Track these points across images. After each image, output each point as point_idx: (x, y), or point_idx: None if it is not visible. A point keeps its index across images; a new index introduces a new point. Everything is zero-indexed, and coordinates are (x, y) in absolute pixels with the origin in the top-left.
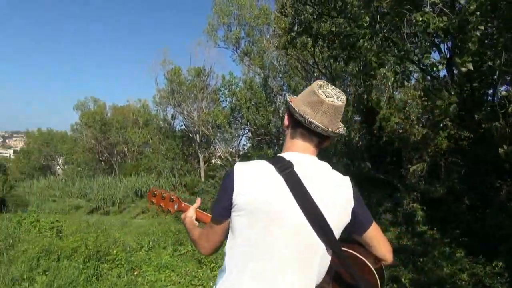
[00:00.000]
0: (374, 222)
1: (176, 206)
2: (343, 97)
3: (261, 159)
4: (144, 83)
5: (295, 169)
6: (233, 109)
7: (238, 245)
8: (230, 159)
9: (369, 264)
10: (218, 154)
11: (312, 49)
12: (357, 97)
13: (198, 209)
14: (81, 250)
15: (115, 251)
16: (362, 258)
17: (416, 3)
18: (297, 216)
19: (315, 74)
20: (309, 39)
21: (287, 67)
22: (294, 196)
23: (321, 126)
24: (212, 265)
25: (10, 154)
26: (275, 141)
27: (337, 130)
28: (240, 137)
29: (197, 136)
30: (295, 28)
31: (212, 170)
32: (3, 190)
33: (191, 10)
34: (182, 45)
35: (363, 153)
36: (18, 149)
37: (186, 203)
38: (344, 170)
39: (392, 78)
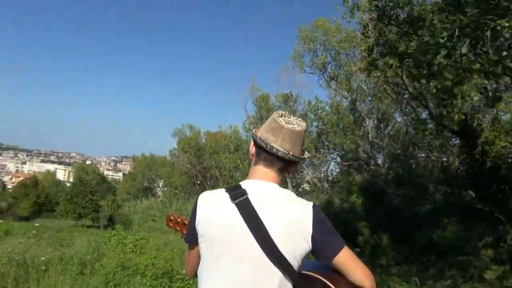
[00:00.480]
0: (345, 247)
1: None
2: (303, 124)
3: (336, 185)
4: (235, 110)
5: (250, 197)
6: (320, 134)
7: (201, 271)
8: (318, 184)
9: None
10: (307, 179)
11: (398, 70)
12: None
13: None
14: (149, 268)
15: (184, 271)
16: (328, 283)
17: (500, 10)
18: (250, 245)
19: (405, 96)
20: (394, 59)
21: (376, 89)
22: (247, 224)
23: (282, 150)
24: None
25: (120, 177)
26: (365, 166)
27: (299, 154)
28: (329, 162)
29: None
30: (377, 49)
31: (300, 195)
32: (112, 208)
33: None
34: (269, 72)
35: (464, 180)
36: (126, 172)
37: None
38: (442, 198)
39: (475, 97)
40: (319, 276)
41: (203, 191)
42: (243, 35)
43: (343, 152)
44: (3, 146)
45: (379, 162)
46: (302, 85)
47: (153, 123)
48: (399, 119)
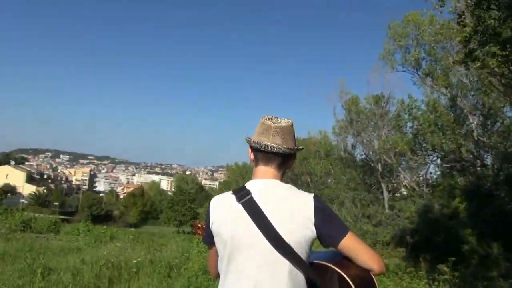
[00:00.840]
0: (350, 233)
1: None
2: (289, 120)
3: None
4: (324, 114)
5: (253, 195)
6: (416, 135)
7: (220, 268)
8: (417, 188)
9: (347, 277)
10: (404, 183)
11: (502, 58)
12: None
13: None
14: None
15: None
16: (335, 268)
17: None
18: (258, 240)
19: None
20: (496, 47)
21: (479, 83)
22: (254, 221)
23: (275, 145)
24: None
25: (216, 185)
26: (469, 168)
27: (292, 146)
28: (428, 165)
29: (379, 165)
30: (476, 38)
31: (397, 200)
32: None
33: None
34: (358, 74)
35: None
36: (222, 181)
37: None
38: None
39: None
40: (329, 264)
41: None
42: (329, 38)
43: (443, 153)
44: (116, 160)
45: (487, 163)
46: (394, 85)
47: (246, 133)
48: (509, 114)
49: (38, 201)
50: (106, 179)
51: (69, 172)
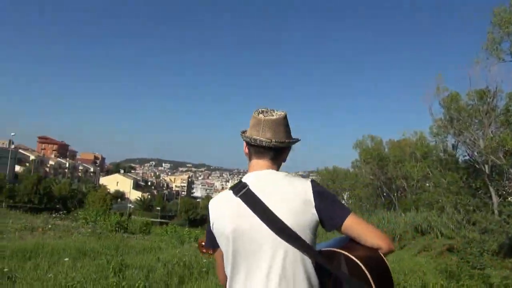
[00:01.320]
0: (352, 214)
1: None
2: (281, 112)
3: None
4: (419, 115)
5: (251, 187)
6: None
7: (226, 266)
8: None
9: (354, 258)
10: None
11: None
12: None
13: None
14: None
15: None
16: (349, 255)
17: None
18: (261, 230)
19: None
20: None
21: None
22: (254, 212)
23: (265, 139)
24: None
25: None
26: None
27: (283, 140)
28: None
29: (486, 166)
30: None
31: (508, 205)
32: None
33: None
34: (456, 69)
35: None
36: None
37: None
38: None
39: None
40: (336, 249)
41: (389, 202)
42: (421, 33)
43: None
44: (211, 167)
45: None
46: (500, 78)
47: (335, 136)
48: None
49: (143, 205)
50: (202, 185)
51: (170, 179)
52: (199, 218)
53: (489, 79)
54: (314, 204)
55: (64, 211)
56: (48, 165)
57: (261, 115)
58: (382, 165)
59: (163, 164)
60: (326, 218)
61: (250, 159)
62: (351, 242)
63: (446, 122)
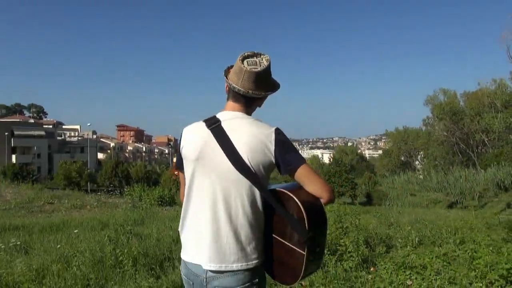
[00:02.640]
0: (305, 164)
1: None
2: (265, 62)
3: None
4: (496, 61)
5: (222, 124)
6: None
7: (186, 185)
8: None
9: (297, 199)
10: None
11: None
12: None
13: None
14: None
15: (347, 243)
16: (292, 195)
17: None
18: (221, 159)
19: None
20: None
21: None
22: (219, 144)
23: (243, 89)
24: None
25: (379, 155)
26: None
27: (260, 91)
28: None
29: None
30: None
31: None
32: (369, 185)
33: None
34: None
35: None
36: (383, 149)
37: None
38: None
39: None
40: (285, 191)
41: (468, 159)
42: None
43: None
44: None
45: None
46: None
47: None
48: None
49: None
50: None
51: None
52: None
53: None
54: (274, 149)
55: (120, 189)
56: (127, 151)
57: (245, 63)
58: (457, 120)
59: None
60: (283, 163)
61: (227, 99)
62: (299, 189)
63: None
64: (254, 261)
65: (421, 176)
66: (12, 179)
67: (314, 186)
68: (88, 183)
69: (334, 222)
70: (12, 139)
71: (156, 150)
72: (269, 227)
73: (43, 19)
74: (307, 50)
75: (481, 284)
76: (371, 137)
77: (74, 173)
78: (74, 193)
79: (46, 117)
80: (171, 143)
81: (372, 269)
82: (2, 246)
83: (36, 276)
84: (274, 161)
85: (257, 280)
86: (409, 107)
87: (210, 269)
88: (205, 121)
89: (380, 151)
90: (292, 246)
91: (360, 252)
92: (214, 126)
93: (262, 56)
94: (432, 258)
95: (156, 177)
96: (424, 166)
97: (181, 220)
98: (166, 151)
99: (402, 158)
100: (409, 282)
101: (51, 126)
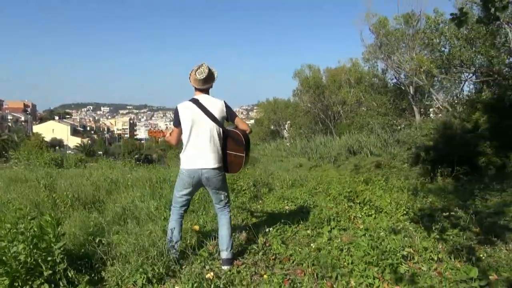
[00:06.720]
0: (237, 116)
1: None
2: (206, 70)
3: None
4: (354, 42)
5: (200, 101)
6: (443, 52)
7: (185, 136)
8: (450, 109)
9: (238, 131)
10: (437, 105)
11: None
12: None
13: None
14: None
15: (242, 183)
16: (235, 130)
17: None
18: (207, 120)
19: None
20: None
21: None
22: (203, 112)
23: (203, 88)
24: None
25: (251, 124)
26: (503, 82)
27: (211, 83)
28: (462, 83)
29: (411, 88)
30: None
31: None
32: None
33: None
34: None
35: None
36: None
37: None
38: None
39: None
40: (232, 129)
41: (326, 128)
42: None
43: (474, 69)
44: (154, 108)
45: None
46: (426, 2)
47: (277, 69)
48: None
49: (84, 151)
50: (145, 126)
51: (110, 122)
52: (143, 158)
53: (415, 3)
54: (225, 110)
55: None
56: None
57: (197, 75)
58: (319, 93)
59: (102, 108)
60: (229, 116)
61: (195, 90)
62: (237, 127)
63: (376, 47)
64: (221, 163)
65: (288, 144)
66: None
67: (243, 125)
68: None
69: None
70: None
71: (10, 117)
72: (225, 146)
73: None
74: None
75: (332, 204)
76: (244, 107)
77: None
78: None
79: None
80: (29, 109)
81: (260, 201)
82: None
83: None
84: (226, 115)
85: (223, 172)
86: (282, 79)
87: (209, 167)
88: (191, 100)
89: (252, 121)
90: (238, 153)
91: (251, 190)
92: (196, 102)
93: (203, 66)
94: (301, 193)
95: (14, 147)
96: (291, 134)
97: (184, 147)
98: (23, 118)
99: (272, 127)
100: (286, 207)
101: None
